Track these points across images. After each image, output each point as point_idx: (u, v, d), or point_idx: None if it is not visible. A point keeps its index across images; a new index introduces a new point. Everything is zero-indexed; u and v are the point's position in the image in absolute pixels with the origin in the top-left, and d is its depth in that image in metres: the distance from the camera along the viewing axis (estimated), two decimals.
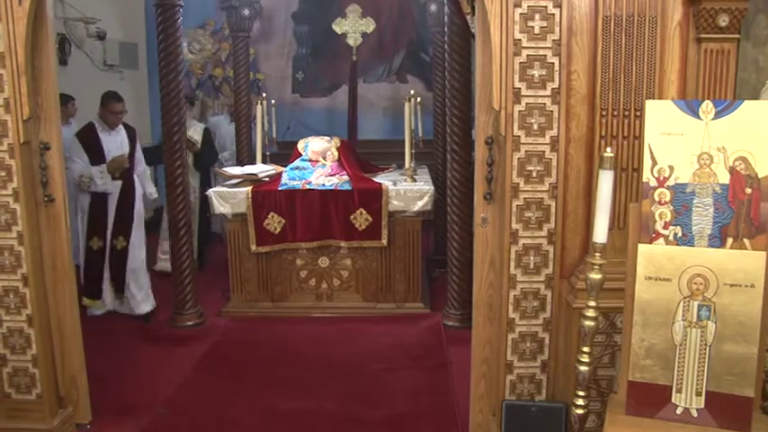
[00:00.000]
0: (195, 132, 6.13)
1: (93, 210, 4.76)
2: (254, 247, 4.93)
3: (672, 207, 2.07)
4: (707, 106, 2.04)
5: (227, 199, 4.97)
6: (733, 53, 2.55)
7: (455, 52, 4.54)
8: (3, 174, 2.94)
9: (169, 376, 3.96)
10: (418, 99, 5.79)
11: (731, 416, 2.02)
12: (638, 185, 2.51)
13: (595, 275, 2.13)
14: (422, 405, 3.57)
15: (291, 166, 5.33)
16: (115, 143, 4.81)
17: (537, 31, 2.60)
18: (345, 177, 5.06)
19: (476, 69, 2.87)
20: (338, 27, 6.08)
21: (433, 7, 6.42)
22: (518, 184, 2.71)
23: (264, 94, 6.80)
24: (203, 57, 5.32)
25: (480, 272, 2.95)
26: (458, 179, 4.53)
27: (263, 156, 6.01)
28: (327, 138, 5.51)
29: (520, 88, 2.64)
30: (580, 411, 2.24)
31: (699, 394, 2.06)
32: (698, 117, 2.04)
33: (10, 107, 2.88)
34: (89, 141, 4.72)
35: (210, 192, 5.07)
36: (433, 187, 5.10)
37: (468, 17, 3.62)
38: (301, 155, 5.44)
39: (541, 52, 2.62)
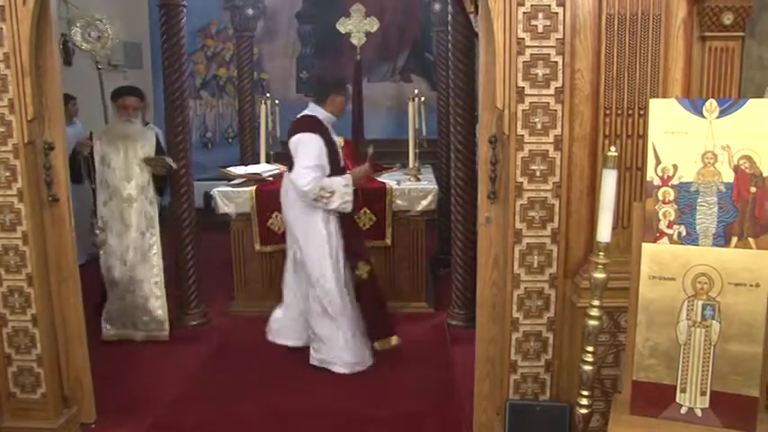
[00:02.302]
0: (146, 145, 4.38)
1: (350, 234, 3.94)
2: (258, 247, 4.93)
3: (676, 206, 2.06)
4: (711, 105, 2.03)
5: (232, 198, 4.98)
6: (738, 51, 2.53)
7: (459, 51, 4.53)
8: (7, 174, 2.95)
9: (174, 375, 3.97)
10: (422, 98, 5.77)
11: (736, 416, 2.01)
12: (642, 184, 2.50)
13: (599, 275, 2.13)
14: (426, 404, 3.57)
15: None
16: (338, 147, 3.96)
17: (540, 29, 2.59)
18: None
19: (479, 68, 2.87)
20: (342, 26, 6.07)
21: (436, 6, 6.41)
22: (522, 183, 2.70)
23: (268, 94, 6.81)
24: (104, 46, 4.45)
25: (484, 271, 2.94)
26: (462, 178, 4.52)
27: (267, 155, 6.02)
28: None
29: (523, 87, 2.63)
30: (584, 411, 2.24)
31: (703, 394, 2.05)
32: (702, 116, 2.03)
33: (14, 107, 2.89)
34: (328, 144, 3.82)
35: (215, 191, 5.07)
36: (436, 186, 5.09)
37: (472, 16, 3.62)
38: None
39: (545, 51, 2.61)
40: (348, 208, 3.83)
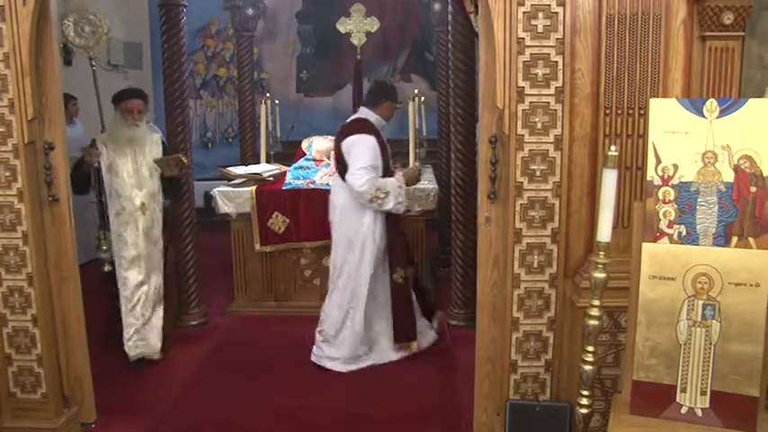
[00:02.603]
0: (153, 148, 4.11)
1: (395, 237, 3.99)
2: (258, 247, 4.93)
3: (676, 206, 2.06)
4: (711, 104, 2.03)
5: (232, 198, 4.98)
6: (738, 51, 2.53)
7: (459, 51, 4.53)
8: (7, 174, 2.95)
9: (174, 375, 3.97)
10: (422, 98, 5.78)
11: (736, 415, 2.01)
12: (642, 184, 2.50)
13: (599, 274, 2.12)
14: (426, 404, 3.57)
15: (295, 165, 5.33)
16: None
17: (540, 29, 2.59)
18: None
19: (479, 68, 2.87)
20: (342, 26, 6.08)
21: (436, 6, 6.42)
22: (522, 182, 2.70)
23: (268, 94, 6.81)
24: (98, 41, 4.04)
25: (484, 271, 2.94)
26: (462, 178, 4.52)
27: (267, 155, 6.02)
28: (331, 137, 5.50)
29: (523, 87, 2.63)
30: (584, 411, 2.23)
31: (704, 394, 2.05)
32: (702, 115, 2.03)
33: (14, 108, 2.89)
34: (381, 146, 3.88)
35: (215, 191, 5.07)
36: (437, 186, 5.09)
37: (472, 16, 3.62)
38: (305, 154, 5.44)
39: (545, 51, 2.61)
40: (401, 209, 3.90)
